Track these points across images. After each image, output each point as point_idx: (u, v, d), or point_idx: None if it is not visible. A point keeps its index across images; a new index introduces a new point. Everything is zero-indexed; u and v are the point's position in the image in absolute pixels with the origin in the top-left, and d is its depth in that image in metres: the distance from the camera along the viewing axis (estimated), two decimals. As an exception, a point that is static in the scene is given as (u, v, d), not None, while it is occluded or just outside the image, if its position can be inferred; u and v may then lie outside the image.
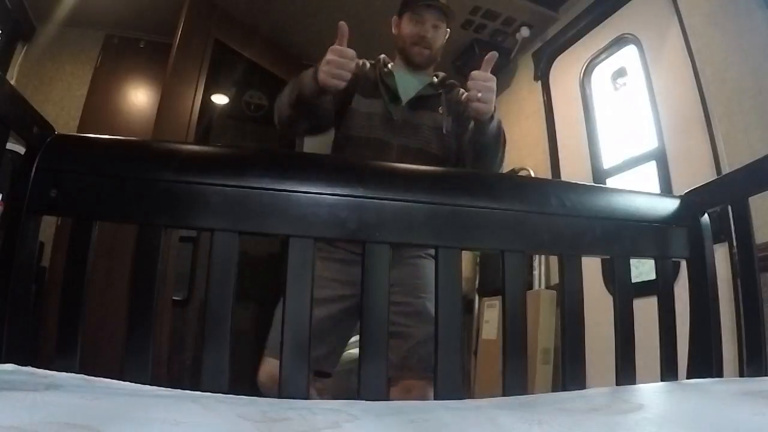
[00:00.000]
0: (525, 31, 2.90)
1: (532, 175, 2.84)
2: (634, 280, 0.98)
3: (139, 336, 0.73)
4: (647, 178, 2.21)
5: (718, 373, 0.94)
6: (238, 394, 0.67)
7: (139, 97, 2.99)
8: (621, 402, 0.67)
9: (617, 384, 0.88)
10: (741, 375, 0.92)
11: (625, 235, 0.95)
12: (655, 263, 0.99)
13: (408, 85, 1.53)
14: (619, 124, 2.55)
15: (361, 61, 1.47)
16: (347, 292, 1.29)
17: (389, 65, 1.55)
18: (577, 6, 2.72)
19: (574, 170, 2.64)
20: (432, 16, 1.50)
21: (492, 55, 1.24)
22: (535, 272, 2.67)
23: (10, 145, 0.71)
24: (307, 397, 0.74)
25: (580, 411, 0.62)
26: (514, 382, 0.82)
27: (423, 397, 1.15)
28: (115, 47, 2.96)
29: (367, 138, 1.42)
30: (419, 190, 0.86)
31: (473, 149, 1.34)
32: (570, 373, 0.87)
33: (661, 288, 0.98)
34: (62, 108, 2.78)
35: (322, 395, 1.35)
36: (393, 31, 1.58)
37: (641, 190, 1.15)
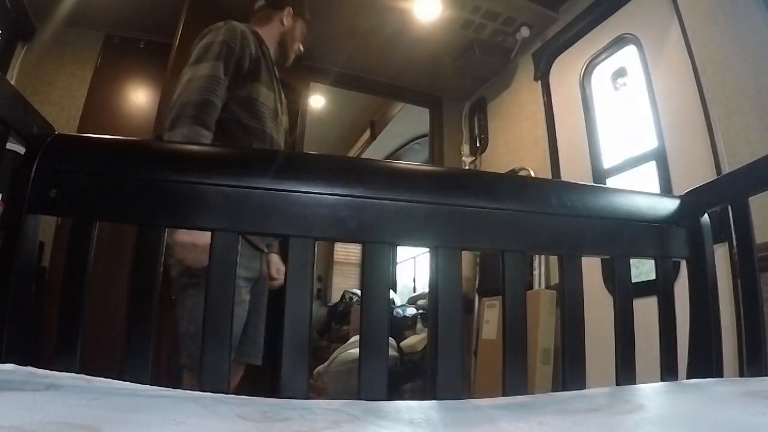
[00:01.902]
0: (525, 31, 2.90)
1: (532, 175, 2.84)
2: (634, 280, 0.98)
3: (139, 336, 0.73)
4: (647, 178, 2.21)
5: (718, 373, 0.94)
6: (238, 394, 0.67)
7: (139, 97, 2.99)
8: (621, 402, 0.67)
9: (617, 384, 0.88)
10: (741, 375, 0.92)
11: (625, 235, 0.95)
12: (655, 263, 0.99)
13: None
14: (619, 124, 2.55)
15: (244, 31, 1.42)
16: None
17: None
18: (577, 6, 2.72)
19: (574, 170, 2.64)
20: None
21: None
22: (535, 272, 2.67)
23: (10, 145, 0.71)
24: (307, 397, 0.74)
25: (580, 411, 0.62)
26: (514, 382, 0.82)
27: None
28: (115, 47, 2.96)
29: (269, 135, 1.43)
30: (419, 190, 0.86)
31: None
32: (570, 373, 0.87)
33: (661, 288, 0.97)
34: (62, 108, 2.78)
35: (321, 395, 1.38)
36: (284, 21, 1.56)
37: (641, 190, 1.15)
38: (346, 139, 5.09)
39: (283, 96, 1.60)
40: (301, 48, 1.61)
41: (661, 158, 2.14)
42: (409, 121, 4.43)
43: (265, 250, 1.46)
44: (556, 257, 0.96)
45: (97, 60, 2.92)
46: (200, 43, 1.39)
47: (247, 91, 1.38)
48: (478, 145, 3.56)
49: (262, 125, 1.41)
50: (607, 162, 2.52)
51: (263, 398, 0.65)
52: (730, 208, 0.97)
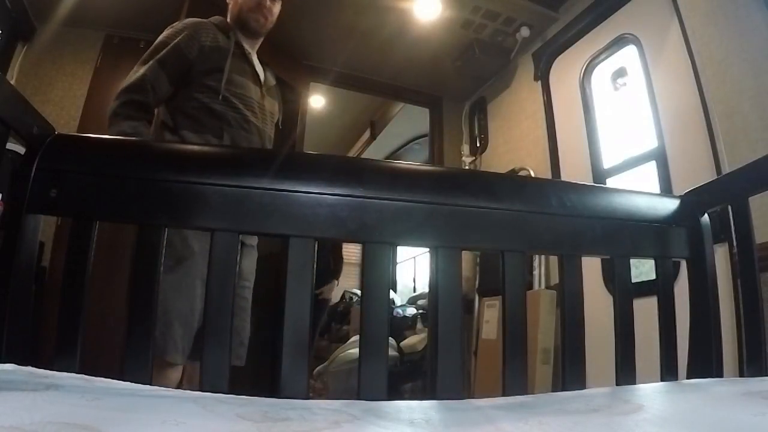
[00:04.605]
0: (525, 31, 2.90)
1: (532, 175, 2.84)
2: (634, 280, 0.98)
3: (139, 336, 0.73)
4: (647, 178, 2.21)
5: (718, 373, 0.94)
6: (238, 394, 0.67)
7: (139, 97, 2.99)
8: (621, 402, 0.67)
9: (617, 384, 0.88)
10: (741, 375, 0.92)
11: (625, 235, 0.95)
12: (655, 263, 0.99)
13: (258, 67, 1.57)
14: (619, 124, 2.55)
15: (207, 23, 1.49)
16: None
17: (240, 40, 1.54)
18: (577, 6, 2.72)
19: (574, 170, 2.64)
20: None
21: None
22: (535, 272, 2.67)
23: (10, 145, 0.71)
24: (307, 397, 0.74)
25: (580, 412, 0.62)
26: (514, 382, 0.82)
27: None
28: (115, 47, 2.95)
29: (245, 120, 1.45)
30: (419, 190, 0.86)
31: None
32: (570, 373, 0.87)
33: (661, 288, 0.97)
34: (62, 108, 2.78)
35: (321, 395, 1.38)
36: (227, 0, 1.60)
37: (641, 190, 1.15)
38: (346, 139, 5.09)
39: (268, 78, 1.60)
40: (262, 4, 1.53)
41: (661, 158, 2.14)
42: (409, 121, 4.43)
43: (247, 243, 1.47)
44: (556, 257, 0.96)
45: (97, 60, 2.92)
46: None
47: (211, 79, 1.43)
48: (478, 145, 3.56)
49: (234, 111, 1.43)
50: (607, 162, 2.52)
51: (263, 398, 0.65)
52: (730, 208, 0.97)
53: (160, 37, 1.47)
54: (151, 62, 1.42)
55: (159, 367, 1.23)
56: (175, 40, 1.43)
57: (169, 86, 1.42)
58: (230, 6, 1.58)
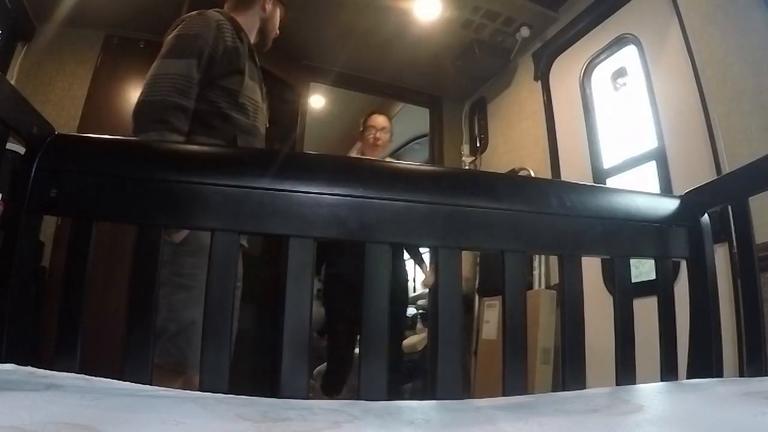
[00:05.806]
0: (525, 31, 2.90)
1: (532, 175, 2.84)
2: (634, 280, 0.98)
3: (139, 336, 0.73)
4: (647, 178, 2.21)
5: (718, 373, 0.94)
6: (238, 394, 0.67)
7: (139, 97, 2.99)
8: (621, 403, 0.67)
9: (617, 384, 0.88)
10: (741, 375, 0.91)
11: (625, 235, 0.95)
12: (655, 263, 0.99)
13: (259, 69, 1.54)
14: (619, 124, 2.56)
15: (218, 22, 1.37)
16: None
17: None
18: (577, 6, 2.72)
19: (574, 170, 2.64)
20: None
21: None
22: (535, 272, 2.67)
23: (10, 145, 0.71)
24: (307, 397, 0.74)
25: (580, 412, 0.62)
26: (514, 382, 0.82)
27: None
28: (115, 47, 2.95)
29: (254, 126, 1.42)
30: (419, 190, 0.86)
31: None
32: (570, 373, 0.87)
33: (661, 288, 0.97)
34: (62, 108, 2.78)
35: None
36: (266, 7, 1.51)
37: (641, 190, 1.15)
38: (346, 139, 5.09)
39: (263, 84, 1.57)
40: (277, 31, 1.56)
41: (661, 158, 2.15)
42: (409, 121, 4.43)
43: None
44: (556, 257, 0.96)
45: (97, 60, 2.92)
46: (173, 33, 1.34)
47: (230, 83, 1.35)
48: (478, 145, 3.56)
49: (246, 116, 1.39)
50: (607, 162, 2.52)
51: (263, 398, 0.65)
52: (730, 208, 0.97)
53: (186, 31, 1.31)
54: (183, 60, 1.26)
55: (170, 376, 1.22)
56: (204, 37, 1.30)
57: (197, 89, 1.29)
58: (252, 12, 1.48)
